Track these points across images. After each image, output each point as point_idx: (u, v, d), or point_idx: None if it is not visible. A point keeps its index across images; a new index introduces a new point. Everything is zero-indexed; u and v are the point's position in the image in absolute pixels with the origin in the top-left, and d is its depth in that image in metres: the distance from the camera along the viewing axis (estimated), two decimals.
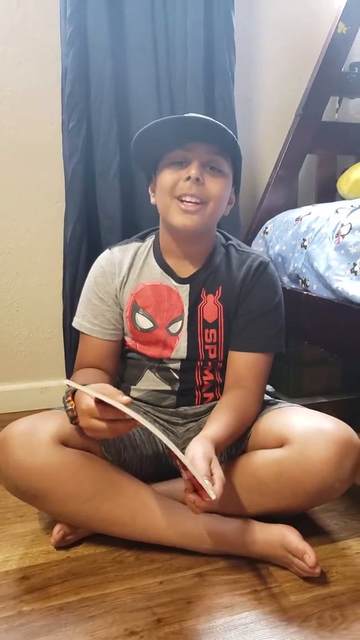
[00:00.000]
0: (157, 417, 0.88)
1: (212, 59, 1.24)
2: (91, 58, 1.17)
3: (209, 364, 0.86)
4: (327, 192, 1.41)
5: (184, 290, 0.84)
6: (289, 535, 0.71)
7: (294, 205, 1.36)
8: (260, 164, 1.45)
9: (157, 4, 1.20)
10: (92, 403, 0.65)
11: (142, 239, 0.89)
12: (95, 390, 0.64)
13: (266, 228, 1.27)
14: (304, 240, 1.06)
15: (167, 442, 0.60)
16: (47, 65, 1.23)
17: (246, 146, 1.40)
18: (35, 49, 1.23)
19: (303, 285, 1.06)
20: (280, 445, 0.73)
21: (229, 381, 0.83)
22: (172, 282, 0.85)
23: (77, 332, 0.90)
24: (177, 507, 0.75)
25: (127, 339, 0.88)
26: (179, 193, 0.77)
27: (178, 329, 0.84)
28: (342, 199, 1.33)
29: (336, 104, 1.44)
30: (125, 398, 0.63)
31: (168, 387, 0.87)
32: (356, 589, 0.69)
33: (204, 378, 0.86)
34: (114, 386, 0.88)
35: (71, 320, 1.21)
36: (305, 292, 1.04)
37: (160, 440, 0.61)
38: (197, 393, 0.87)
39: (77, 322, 0.88)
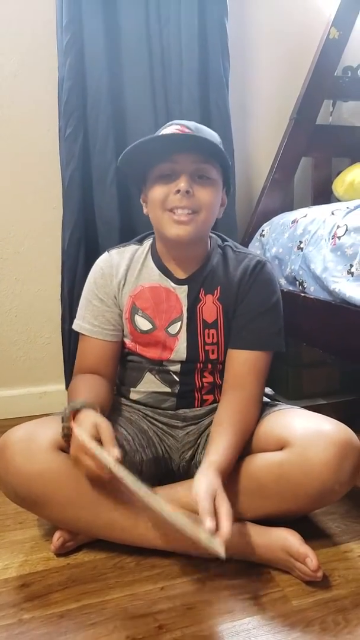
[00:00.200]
0: (157, 419, 0.88)
1: (207, 66, 1.25)
2: (87, 66, 1.18)
3: (209, 365, 0.86)
4: (323, 194, 1.42)
5: (182, 291, 0.85)
6: (290, 539, 0.70)
7: (290, 207, 1.37)
8: (256, 167, 1.46)
9: (152, 13, 1.21)
10: (86, 437, 0.65)
11: (140, 242, 0.90)
12: (91, 424, 0.66)
13: (263, 231, 1.28)
14: (301, 242, 1.07)
15: (165, 513, 0.59)
16: (44, 74, 1.24)
17: (242, 150, 1.41)
18: (32, 58, 1.24)
19: (300, 287, 1.06)
20: (280, 448, 0.73)
21: (228, 381, 0.82)
22: (171, 284, 0.85)
23: (76, 337, 0.90)
24: (176, 512, 0.74)
25: (127, 341, 0.88)
26: (171, 206, 0.78)
27: (177, 330, 0.85)
28: (338, 200, 1.33)
29: (330, 108, 1.45)
30: (116, 453, 0.64)
31: (168, 389, 0.87)
32: (358, 592, 0.68)
33: (204, 380, 0.86)
34: (115, 388, 0.88)
35: (70, 326, 1.22)
36: (302, 294, 1.04)
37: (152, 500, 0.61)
38: (196, 395, 0.87)
39: (77, 325, 0.88)
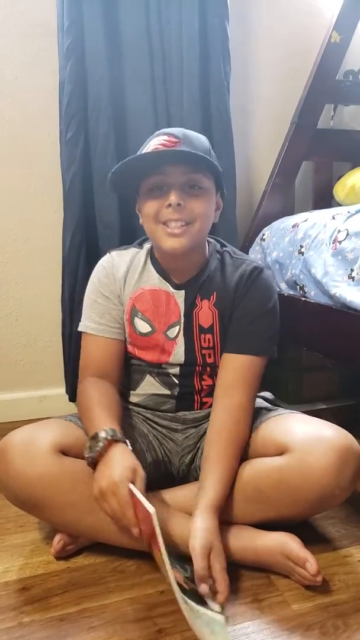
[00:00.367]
0: (157, 422, 0.88)
1: (208, 70, 1.26)
2: (88, 70, 1.19)
3: (208, 369, 0.86)
4: (324, 199, 1.42)
5: (180, 296, 0.85)
6: (290, 543, 0.70)
7: (290, 212, 1.37)
8: (256, 171, 1.46)
9: (152, 16, 1.21)
10: (125, 486, 0.64)
11: (140, 245, 0.91)
12: (129, 468, 0.66)
13: (263, 235, 1.28)
14: (301, 246, 1.07)
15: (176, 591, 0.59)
16: (45, 77, 1.25)
17: (243, 154, 1.42)
18: (33, 61, 1.25)
19: (301, 292, 1.06)
20: (280, 453, 0.73)
21: (220, 385, 0.82)
22: (170, 288, 0.86)
23: (77, 341, 0.90)
24: (177, 516, 0.74)
25: (126, 344, 0.88)
26: (163, 219, 0.78)
27: (175, 334, 0.85)
28: (339, 205, 1.33)
29: (331, 112, 1.45)
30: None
31: (167, 392, 0.87)
32: (358, 597, 0.68)
33: (203, 383, 0.87)
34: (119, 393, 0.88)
35: (70, 329, 1.23)
36: (303, 299, 1.04)
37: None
38: (196, 397, 0.87)
39: (82, 325, 0.87)
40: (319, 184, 1.43)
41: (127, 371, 0.89)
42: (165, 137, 0.78)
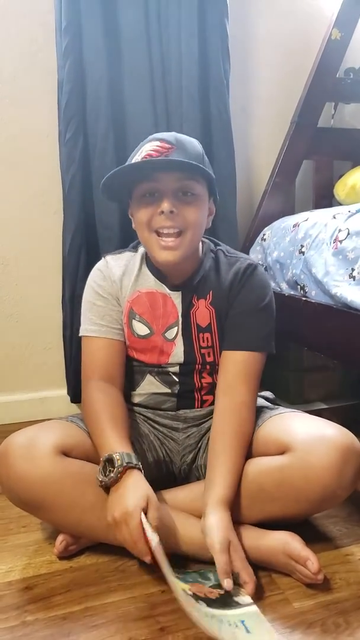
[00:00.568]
0: (158, 422, 0.89)
1: (207, 69, 1.25)
2: (87, 69, 1.18)
3: (207, 367, 0.87)
4: (324, 198, 1.42)
5: (176, 297, 0.86)
6: (291, 542, 0.71)
7: (291, 211, 1.37)
8: (257, 171, 1.46)
9: (151, 14, 1.21)
10: (138, 517, 0.65)
11: (135, 248, 0.91)
12: (142, 497, 0.67)
13: (264, 235, 1.28)
14: (302, 246, 1.07)
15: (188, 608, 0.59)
16: (43, 77, 1.25)
17: (243, 154, 1.42)
18: (31, 61, 1.24)
19: (302, 292, 1.06)
20: (282, 452, 0.73)
21: (220, 383, 0.83)
22: (166, 290, 0.86)
23: (78, 342, 0.90)
24: (178, 516, 0.75)
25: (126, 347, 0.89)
26: (156, 227, 0.78)
27: (174, 335, 0.86)
28: (340, 204, 1.33)
29: (332, 110, 1.45)
30: (156, 539, 0.64)
31: (168, 390, 0.87)
32: (359, 595, 0.69)
33: (203, 381, 0.87)
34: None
35: (71, 331, 1.23)
36: (304, 298, 1.04)
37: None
38: (196, 395, 0.88)
39: (83, 329, 0.87)
40: (320, 183, 1.43)
41: (127, 372, 0.90)
42: (158, 143, 0.77)
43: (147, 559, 0.65)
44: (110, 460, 0.70)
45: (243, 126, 1.42)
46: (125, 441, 0.74)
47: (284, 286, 1.14)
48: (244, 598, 0.65)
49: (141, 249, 0.90)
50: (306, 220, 1.11)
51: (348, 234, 0.93)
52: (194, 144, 0.81)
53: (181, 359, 0.86)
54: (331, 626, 0.63)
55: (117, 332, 0.86)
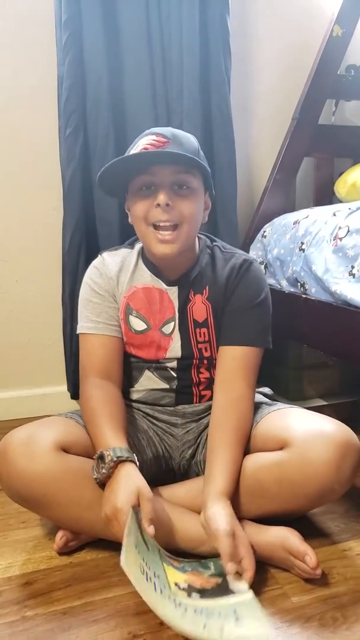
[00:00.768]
0: (157, 417, 0.89)
1: (208, 65, 1.25)
2: (87, 64, 1.18)
3: (205, 362, 0.87)
4: (325, 195, 1.42)
5: (173, 292, 0.86)
6: (290, 537, 0.71)
7: (291, 208, 1.37)
8: (257, 168, 1.46)
9: (152, 9, 1.20)
10: (127, 512, 0.65)
11: (131, 245, 0.91)
12: (133, 492, 0.66)
13: (264, 232, 1.28)
14: (302, 243, 1.07)
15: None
16: (43, 72, 1.24)
17: (243, 150, 1.41)
18: (31, 56, 1.24)
19: (302, 289, 1.06)
20: (280, 448, 0.73)
21: (218, 378, 0.83)
22: (163, 285, 0.87)
23: (77, 338, 0.90)
24: (176, 510, 0.75)
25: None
26: (153, 220, 0.78)
27: (171, 330, 0.86)
28: (340, 201, 1.33)
29: (332, 107, 1.45)
30: (151, 531, 0.65)
31: (166, 386, 0.88)
32: (357, 589, 0.69)
33: (201, 376, 0.88)
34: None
35: (71, 327, 1.23)
36: (304, 296, 1.04)
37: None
38: (194, 391, 0.88)
39: (80, 327, 0.88)
40: (320, 180, 1.43)
41: (125, 368, 0.90)
42: (154, 137, 0.78)
43: None
44: (102, 457, 0.71)
45: (244, 123, 1.42)
46: (120, 436, 0.74)
47: (284, 283, 1.14)
48: (241, 586, 0.64)
49: (137, 246, 0.90)
50: (306, 217, 1.11)
51: (348, 231, 0.93)
52: (190, 138, 0.82)
53: (178, 354, 0.86)
54: (329, 620, 0.64)
55: (114, 329, 0.86)
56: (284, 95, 1.43)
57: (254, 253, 1.29)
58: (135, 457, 0.73)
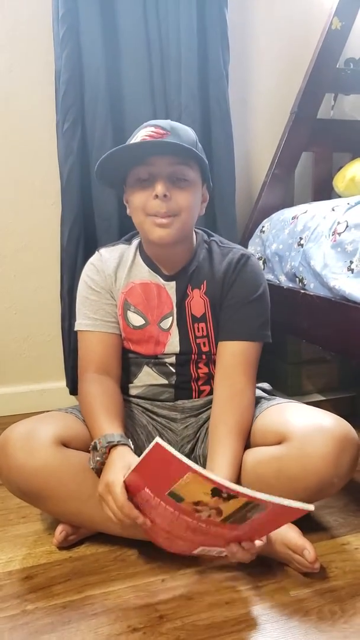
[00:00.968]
0: (156, 413, 0.89)
1: (206, 59, 1.24)
2: (84, 58, 1.17)
3: (203, 357, 0.87)
4: (323, 190, 1.41)
5: (170, 287, 0.86)
6: (288, 532, 0.72)
7: (290, 203, 1.36)
8: (256, 162, 1.45)
9: (150, 4, 1.19)
10: (120, 483, 0.64)
11: (128, 241, 0.92)
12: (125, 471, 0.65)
13: (263, 227, 1.28)
14: (301, 238, 1.07)
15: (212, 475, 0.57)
16: (40, 67, 1.23)
17: (242, 145, 1.41)
18: (28, 50, 1.23)
19: (300, 284, 1.06)
20: (279, 442, 0.74)
21: (218, 373, 0.83)
22: (160, 280, 0.87)
23: (76, 334, 0.90)
24: None
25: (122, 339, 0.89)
26: (150, 211, 0.79)
27: (169, 325, 0.86)
28: (339, 196, 1.33)
29: (331, 101, 1.44)
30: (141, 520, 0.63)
31: (165, 381, 0.88)
32: (355, 583, 0.70)
33: (199, 371, 0.88)
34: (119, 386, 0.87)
35: (69, 323, 1.23)
36: (302, 291, 1.04)
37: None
38: (193, 386, 0.88)
39: (77, 324, 0.88)
40: (319, 175, 1.42)
41: (124, 364, 0.90)
42: (153, 129, 0.78)
43: (140, 520, 0.64)
44: (95, 446, 0.72)
45: (242, 117, 1.41)
46: (115, 425, 0.75)
47: (283, 278, 1.14)
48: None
49: (135, 241, 0.90)
50: (305, 212, 1.11)
51: (347, 226, 0.92)
52: (188, 131, 0.82)
53: (177, 349, 0.86)
54: (327, 614, 0.64)
55: (111, 325, 0.86)
56: (282, 89, 1.42)
57: (253, 248, 1.29)
58: (130, 442, 0.73)
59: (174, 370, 0.88)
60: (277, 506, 0.58)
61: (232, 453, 0.74)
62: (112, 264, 0.87)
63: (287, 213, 1.20)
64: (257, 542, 0.65)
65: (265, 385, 0.95)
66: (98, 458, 0.71)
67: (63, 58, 1.15)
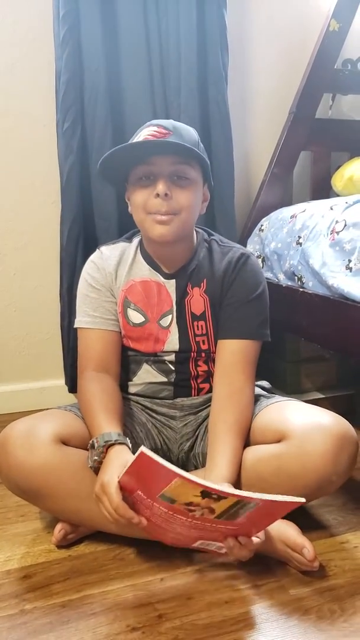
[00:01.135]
0: (155, 410, 0.89)
1: (206, 60, 1.24)
2: (85, 59, 1.17)
3: (203, 355, 0.87)
4: (322, 189, 1.42)
5: (170, 285, 0.86)
6: (287, 530, 0.72)
7: (289, 202, 1.37)
8: (255, 162, 1.45)
9: (150, 4, 1.20)
10: (114, 483, 0.64)
11: (129, 239, 0.92)
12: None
13: (262, 226, 1.28)
14: (299, 237, 1.07)
15: (207, 483, 0.58)
16: (41, 66, 1.23)
17: (241, 145, 1.41)
18: (29, 50, 1.23)
19: (299, 282, 1.06)
20: (278, 440, 0.74)
21: (217, 371, 0.83)
22: (160, 278, 0.87)
23: (75, 332, 0.91)
24: None
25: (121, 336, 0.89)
26: (151, 210, 0.79)
27: (169, 323, 0.86)
28: (337, 195, 1.33)
29: (329, 101, 1.44)
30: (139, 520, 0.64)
31: (164, 379, 0.88)
32: (354, 582, 0.69)
33: (199, 369, 0.88)
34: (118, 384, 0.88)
35: (69, 321, 1.23)
36: (301, 289, 1.04)
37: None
38: (193, 384, 0.89)
39: (77, 321, 0.88)
40: (317, 174, 1.43)
41: (124, 362, 0.90)
42: (155, 128, 0.79)
43: (136, 520, 0.64)
44: (92, 445, 0.72)
45: (241, 117, 1.41)
46: (113, 423, 0.75)
47: (282, 277, 1.14)
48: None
49: (135, 239, 0.91)
50: (304, 211, 1.11)
51: (345, 225, 0.93)
52: (190, 131, 0.83)
53: (176, 347, 0.86)
54: (326, 612, 0.64)
55: (111, 323, 0.87)
56: (281, 90, 1.42)
57: (252, 247, 1.29)
58: (128, 440, 0.73)
59: (173, 368, 0.88)
60: (267, 502, 0.59)
61: (232, 451, 0.74)
62: (112, 262, 0.87)
63: (285, 212, 1.20)
64: (255, 539, 0.65)
65: (265, 384, 0.95)
66: (95, 457, 0.71)
67: (63, 58, 1.16)
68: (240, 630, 0.62)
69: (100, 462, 0.70)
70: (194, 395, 0.89)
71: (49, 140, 1.25)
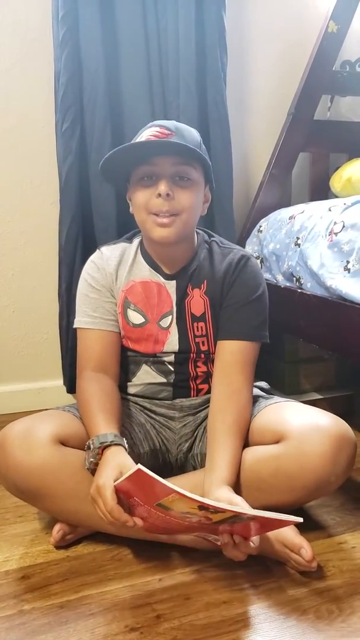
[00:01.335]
0: (154, 411, 0.89)
1: (204, 60, 1.25)
2: (84, 59, 1.17)
3: (202, 356, 0.87)
4: (320, 190, 1.42)
5: (171, 286, 0.87)
6: (285, 531, 0.72)
7: (287, 203, 1.37)
8: (253, 163, 1.46)
9: (149, 5, 1.20)
10: (110, 487, 0.65)
11: (130, 239, 0.92)
12: (117, 473, 0.66)
13: (260, 227, 1.28)
14: (298, 238, 1.07)
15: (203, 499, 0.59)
16: (40, 67, 1.24)
17: (239, 146, 1.41)
18: (28, 51, 1.23)
19: (297, 284, 1.07)
20: (277, 441, 0.74)
21: (216, 372, 0.84)
22: (161, 279, 0.87)
23: (74, 333, 0.91)
24: None
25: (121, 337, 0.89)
26: (153, 210, 0.79)
27: (168, 324, 0.86)
28: (335, 197, 1.34)
29: (328, 103, 1.45)
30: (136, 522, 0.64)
31: (163, 380, 0.88)
32: (352, 582, 0.70)
33: (198, 370, 0.88)
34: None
35: (67, 321, 1.23)
36: (299, 290, 1.05)
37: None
38: (192, 384, 0.89)
39: (77, 321, 0.88)
40: (316, 175, 1.43)
41: (123, 363, 0.90)
42: (158, 129, 0.79)
43: (130, 523, 0.64)
44: (89, 447, 0.72)
45: (240, 118, 1.41)
46: (111, 424, 0.75)
47: (280, 278, 1.14)
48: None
49: (136, 240, 0.91)
50: (302, 212, 1.11)
51: (343, 226, 0.93)
52: (193, 132, 0.83)
53: (176, 348, 0.86)
54: (324, 613, 0.64)
55: (110, 323, 0.87)
56: (279, 91, 1.43)
57: (250, 248, 1.29)
58: (124, 441, 0.73)
59: (172, 369, 0.88)
60: (263, 518, 0.59)
61: (231, 452, 0.74)
62: (113, 262, 0.88)
63: (284, 213, 1.20)
64: (251, 545, 0.65)
65: (263, 384, 0.95)
66: (91, 459, 0.71)
67: (62, 59, 1.16)
68: (239, 631, 0.62)
69: (97, 464, 0.70)
70: (193, 396, 0.89)
71: (48, 141, 1.25)
